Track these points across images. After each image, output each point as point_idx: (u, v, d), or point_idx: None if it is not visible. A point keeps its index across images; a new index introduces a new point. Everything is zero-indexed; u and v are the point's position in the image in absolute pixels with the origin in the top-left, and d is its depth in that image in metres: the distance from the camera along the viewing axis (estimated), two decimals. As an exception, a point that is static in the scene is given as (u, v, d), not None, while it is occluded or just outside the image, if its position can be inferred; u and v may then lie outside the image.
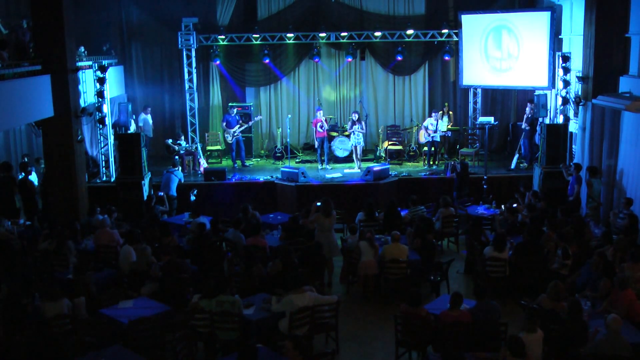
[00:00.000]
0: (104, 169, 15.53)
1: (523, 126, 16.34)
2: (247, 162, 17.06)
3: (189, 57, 16.77)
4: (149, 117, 17.10)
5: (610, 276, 8.24)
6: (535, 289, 9.07)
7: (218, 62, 17.29)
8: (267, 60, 17.21)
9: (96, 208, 12.19)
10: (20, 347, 7.39)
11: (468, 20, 17.02)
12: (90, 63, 14.71)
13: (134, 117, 16.36)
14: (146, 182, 14.40)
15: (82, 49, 14.92)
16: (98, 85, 14.51)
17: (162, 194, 13.70)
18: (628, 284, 8.02)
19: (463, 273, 11.25)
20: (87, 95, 14.65)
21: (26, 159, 13.99)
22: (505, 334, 7.57)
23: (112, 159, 15.53)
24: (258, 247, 10.15)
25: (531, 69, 16.14)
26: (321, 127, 15.92)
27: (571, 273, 9.38)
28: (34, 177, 13.65)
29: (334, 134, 17.00)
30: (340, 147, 16.81)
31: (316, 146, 16.43)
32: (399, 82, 18.62)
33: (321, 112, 16.13)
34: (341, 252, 11.06)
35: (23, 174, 13.32)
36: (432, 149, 16.48)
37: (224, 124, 16.63)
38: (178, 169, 14.54)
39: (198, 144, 16.83)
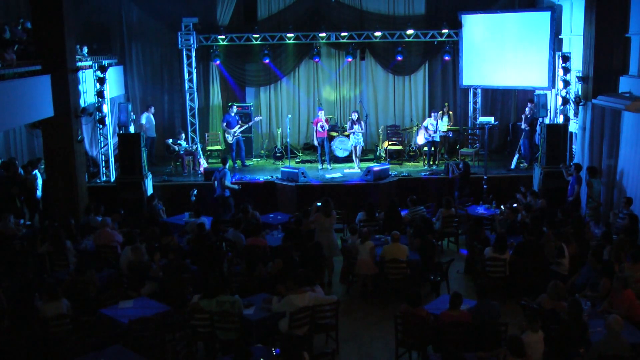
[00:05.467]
0: (104, 169, 15.53)
1: (523, 126, 16.34)
2: (247, 162, 17.06)
3: (189, 57, 16.77)
4: (151, 116, 17.10)
5: (610, 276, 8.24)
6: (535, 289, 9.07)
7: (218, 62, 17.29)
8: (267, 60, 17.21)
9: (91, 208, 12.17)
10: (20, 346, 7.39)
11: (468, 20, 17.03)
12: (90, 63, 14.71)
13: (133, 116, 16.34)
14: (148, 182, 14.40)
15: (85, 49, 14.97)
16: (98, 85, 14.51)
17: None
18: (628, 284, 8.02)
19: (463, 273, 11.26)
20: (87, 95, 14.65)
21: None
22: (505, 334, 7.57)
23: (112, 159, 15.53)
24: (258, 247, 10.15)
25: (531, 69, 16.15)
26: (322, 127, 15.91)
27: (571, 273, 9.38)
28: (39, 177, 13.72)
29: (334, 134, 17.00)
30: (340, 147, 16.81)
31: (317, 145, 16.40)
32: (399, 82, 18.61)
33: (322, 112, 16.13)
34: (341, 252, 11.07)
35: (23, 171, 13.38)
36: (432, 149, 16.47)
37: (224, 124, 16.62)
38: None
39: (198, 144, 16.83)
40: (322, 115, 16.01)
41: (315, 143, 16.47)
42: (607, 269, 8.48)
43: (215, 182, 13.82)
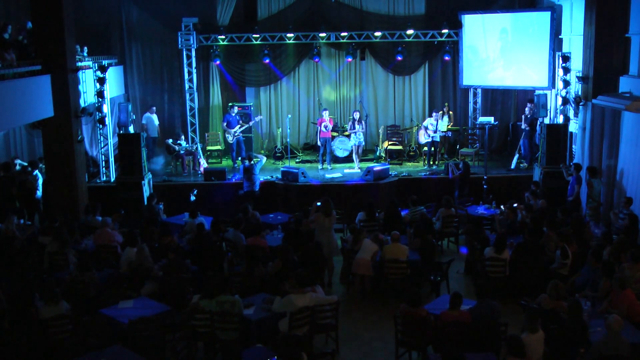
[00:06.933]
0: (104, 169, 15.53)
1: (522, 126, 16.35)
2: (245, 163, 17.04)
3: (189, 57, 16.76)
4: (153, 116, 17.11)
5: (610, 276, 8.24)
6: (535, 289, 9.07)
7: (218, 62, 17.29)
8: (267, 60, 17.21)
9: (91, 208, 12.19)
10: (20, 346, 7.39)
11: (468, 20, 17.03)
12: (90, 63, 14.71)
13: (133, 116, 16.36)
14: (146, 183, 14.41)
15: (84, 48, 14.98)
16: (98, 85, 14.51)
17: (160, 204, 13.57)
18: (628, 284, 8.02)
19: (463, 273, 11.26)
20: (87, 95, 14.65)
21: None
22: (505, 334, 7.57)
23: (112, 159, 15.54)
24: (258, 247, 10.15)
25: (531, 69, 16.16)
26: (325, 127, 15.93)
27: (571, 273, 9.39)
28: (40, 178, 13.74)
29: (334, 134, 16.99)
30: (341, 147, 16.81)
31: (319, 144, 16.41)
32: (399, 82, 18.60)
33: (326, 112, 16.16)
34: (341, 252, 11.07)
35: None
36: (432, 149, 16.48)
37: (225, 124, 16.62)
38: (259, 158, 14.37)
39: (198, 144, 16.83)
40: (326, 115, 16.04)
41: (318, 143, 16.49)
42: (607, 269, 8.48)
43: (244, 179, 13.95)
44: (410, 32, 17.03)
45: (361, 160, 16.46)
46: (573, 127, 14.70)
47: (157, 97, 18.10)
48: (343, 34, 17.04)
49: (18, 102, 11.37)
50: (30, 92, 11.92)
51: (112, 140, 15.51)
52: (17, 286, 8.96)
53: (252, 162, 14.00)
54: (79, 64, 13.82)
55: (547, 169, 14.21)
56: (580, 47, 13.78)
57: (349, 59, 17.49)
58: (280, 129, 18.10)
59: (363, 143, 16.41)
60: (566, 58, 14.58)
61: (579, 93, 13.97)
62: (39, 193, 13.71)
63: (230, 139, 16.54)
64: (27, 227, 12.57)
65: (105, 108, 14.79)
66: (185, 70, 16.84)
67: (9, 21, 12.79)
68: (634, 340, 7.11)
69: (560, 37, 15.71)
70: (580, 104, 13.75)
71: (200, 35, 16.76)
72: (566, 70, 14.58)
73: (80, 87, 14.00)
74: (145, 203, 13.64)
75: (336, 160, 16.77)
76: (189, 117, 17.02)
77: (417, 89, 18.63)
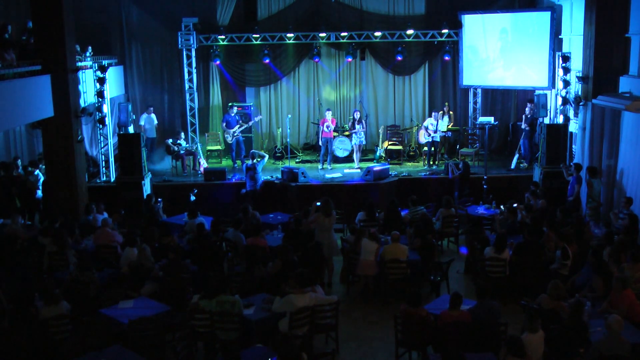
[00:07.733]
0: (104, 169, 15.54)
1: (522, 126, 16.36)
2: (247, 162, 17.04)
3: (189, 57, 16.78)
4: (152, 116, 17.10)
5: (603, 275, 8.25)
6: (535, 289, 9.07)
7: (218, 62, 17.30)
8: (267, 60, 17.21)
9: (91, 208, 12.20)
10: (20, 346, 7.38)
11: (468, 20, 17.04)
12: (90, 63, 14.71)
13: (133, 116, 16.35)
14: (147, 182, 14.41)
15: (89, 49, 15.01)
16: (98, 85, 14.51)
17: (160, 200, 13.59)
18: (628, 284, 8.02)
19: (463, 273, 11.26)
20: (87, 95, 14.65)
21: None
22: (505, 334, 7.57)
23: (112, 159, 15.54)
24: (258, 247, 10.14)
25: (531, 69, 16.16)
26: (327, 127, 15.95)
27: (571, 273, 9.39)
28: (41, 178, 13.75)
29: (335, 133, 17.00)
30: (341, 147, 16.82)
31: (320, 144, 16.42)
32: (399, 82, 18.61)
33: (330, 112, 16.18)
34: (341, 252, 11.07)
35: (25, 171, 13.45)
36: (432, 149, 16.48)
37: (224, 124, 16.63)
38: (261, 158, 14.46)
39: (198, 144, 16.83)
40: (328, 115, 16.07)
41: (319, 143, 16.51)
42: (603, 269, 8.50)
43: (247, 178, 13.96)
44: (410, 32, 17.03)
45: (361, 160, 16.47)
46: (573, 127, 14.70)
47: (157, 97, 18.11)
48: (343, 34, 17.04)
49: (18, 102, 11.37)
50: (30, 92, 11.92)
51: (112, 140, 15.52)
52: (17, 286, 8.96)
53: (255, 160, 14.01)
54: (79, 64, 13.82)
55: (547, 169, 14.22)
56: (580, 47, 13.78)
57: (349, 59, 17.50)
58: (280, 129, 18.10)
59: (364, 142, 16.41)
60: (566, 58, 14.58)
61: (579, 93, 13.97)
62: (40, 193, 13.71)
63: (229, 139, 16.55)
64: (29, 227, 12.56)
65: (105, 108, 14.79)
66: (185, 70, 16.85)
67: (9, 21, 12.80)
68: (634, 340, 7.11)
69: (560, 37, 15.71)
70: (580, 104, 13.76)
71: (200, 35, 16.77)
72: (566, 70, 14.59)
73: (80, 87, 14.01)
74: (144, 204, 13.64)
75: (336, 160, 16.77)
76: (189, 117, 17.02)
77: (417, 89, 18.64)
